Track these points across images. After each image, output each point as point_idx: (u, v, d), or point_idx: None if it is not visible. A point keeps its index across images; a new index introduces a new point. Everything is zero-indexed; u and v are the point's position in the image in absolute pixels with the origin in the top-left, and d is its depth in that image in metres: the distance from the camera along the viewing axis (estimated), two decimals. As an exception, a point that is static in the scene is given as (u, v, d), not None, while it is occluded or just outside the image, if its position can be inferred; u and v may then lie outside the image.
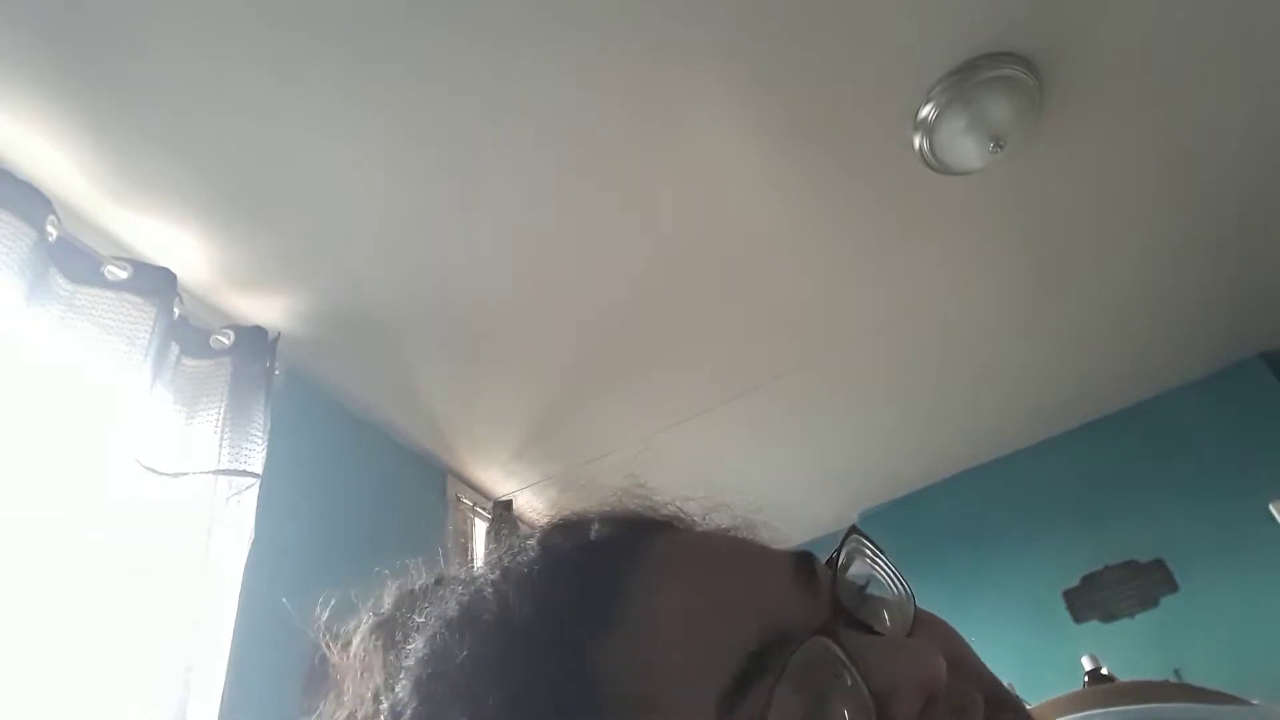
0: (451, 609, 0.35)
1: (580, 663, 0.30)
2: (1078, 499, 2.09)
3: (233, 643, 1.12)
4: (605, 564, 0.33)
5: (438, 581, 0.39)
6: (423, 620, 0.36)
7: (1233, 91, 1.40)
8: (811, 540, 1.77)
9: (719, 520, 0.42)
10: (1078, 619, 1.94)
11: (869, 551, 0.35)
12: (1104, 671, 1.64)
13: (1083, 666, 1.65)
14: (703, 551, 0.35)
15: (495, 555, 0.38)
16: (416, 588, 0.40)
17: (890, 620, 0.32)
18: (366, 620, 0.39)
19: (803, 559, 0.33)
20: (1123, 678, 1.61)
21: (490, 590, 0.35)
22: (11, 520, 0.99)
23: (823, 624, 0.30)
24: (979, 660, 0.34)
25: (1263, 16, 1.28)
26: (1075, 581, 1.98)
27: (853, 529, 0.35)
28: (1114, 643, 1.84)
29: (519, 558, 0.36)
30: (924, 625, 0.33)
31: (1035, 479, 2.19)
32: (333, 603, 0.43)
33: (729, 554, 0.35)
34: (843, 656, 0.28)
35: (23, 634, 0.96)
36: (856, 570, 0.34)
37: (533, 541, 0.37)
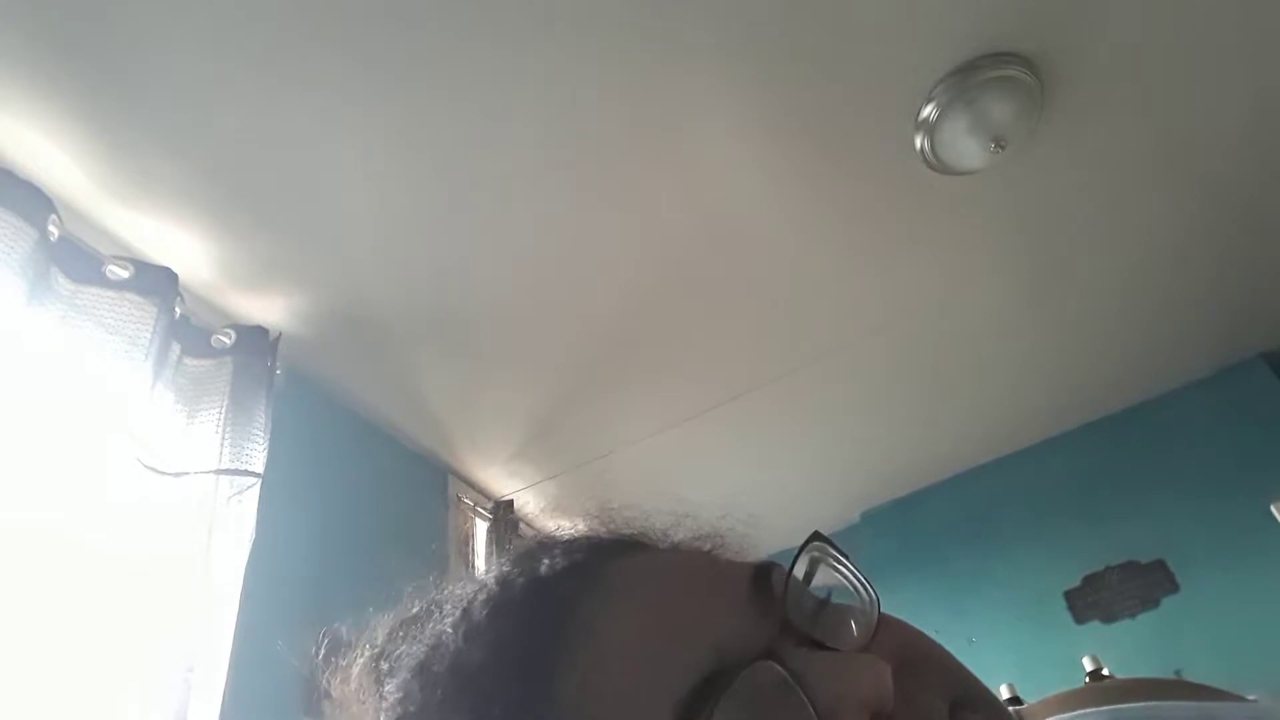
0: (419, 654, 0.36)
1: (530, 702, 0.31)
2: (1078, 499, 2.09)
3: (233, 643, 1.12)
4: (554, 600, 0.34)
5: (413, 619, 0.40)
6: (397, 665, 0.37)
7: (1232, 92, 1.40)
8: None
9: (686, 533, 0.42)
10: (1079, 619, 1.94)
11: (832, 558, 0.34)
12: (1105, 672, 1.64)
13: (1084, 667, 1.65)
14: (655, 577, 0.35)
15: (462, 592, 0.38)
16: (403, 621, 0.40)
17: (851, 630, 0.32)
18: (362, 654, 0.40)
19: (760, 574, 0.33)
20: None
21: (447, 636, 0.36)
22: (12, 520, 0.99)
23: (770, 645, 0.30)
24: (950, 659, 0.34)
25: (1262, 17, 1.28)
26: (1076, 581, 1.98)
27: (814, 535, 0.34)
28: (1115, 643, 1.84)
29: (476, 598, 0.37)
30: (886, 630, 0.33)
31: (1036, 479, 2.19)
32: (326, 640, 0.43)
33: (681, 578, 0.35)
34: (789, 677, 0.28)
35: (23, 634, 0.96)
36: (820, 578, 0.34)
37: (490, 578, 0.38)
